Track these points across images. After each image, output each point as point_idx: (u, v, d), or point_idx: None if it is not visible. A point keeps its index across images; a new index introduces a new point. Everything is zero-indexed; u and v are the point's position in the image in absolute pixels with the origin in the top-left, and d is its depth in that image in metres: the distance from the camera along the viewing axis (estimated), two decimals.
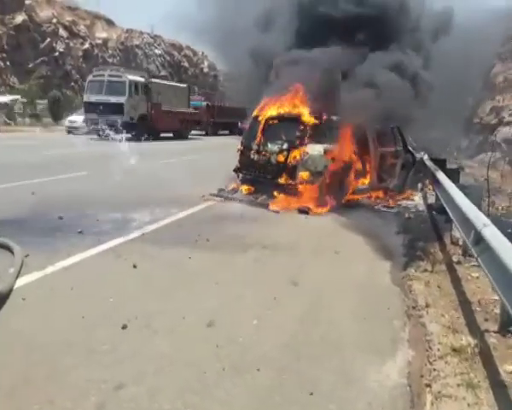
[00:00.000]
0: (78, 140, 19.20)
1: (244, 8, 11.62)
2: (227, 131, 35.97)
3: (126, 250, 5.13)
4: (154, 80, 25.83)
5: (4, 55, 34.31)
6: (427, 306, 4.06)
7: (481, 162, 20.14)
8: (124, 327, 3.35)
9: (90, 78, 23.94)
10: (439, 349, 3.29)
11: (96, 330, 3.31)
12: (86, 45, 42.45)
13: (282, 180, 8.22)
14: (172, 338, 3.27)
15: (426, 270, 5.04)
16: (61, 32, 40.06)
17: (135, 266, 4.60)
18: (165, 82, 30.41)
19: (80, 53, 41.30)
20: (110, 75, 22.86)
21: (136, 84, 23.13)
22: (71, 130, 24.58)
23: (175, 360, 2.98)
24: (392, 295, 4.38)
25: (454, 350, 3.24)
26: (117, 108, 21.66)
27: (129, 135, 20.90)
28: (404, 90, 8.82)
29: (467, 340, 3.37)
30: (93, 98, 22.46)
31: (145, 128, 22.65)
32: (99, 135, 19.84)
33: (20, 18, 36.16)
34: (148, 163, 11.91)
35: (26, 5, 37.18)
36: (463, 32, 11.34)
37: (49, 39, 38.32)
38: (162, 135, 25.36)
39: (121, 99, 22.03)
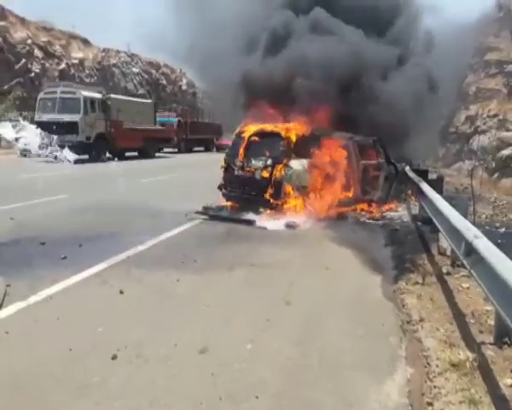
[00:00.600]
0: (33, 163, 17.99)
1: (223, 31, 11.74)
2: (202, 148, 35.47)
3: (112, 275, 4.98)
4: (113, 96, 24.18)
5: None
6: (422, 320, 4.03)
7: (459, 170, 20.60)
8: (114, 358, 3.22)
9: (41, 95, 22.08)
10: (437, 365, 3.25)
11: (84, 363, 3.16)
12: (62, 65, 42.04)
13: (267, 196, 8.19)
14: (165, 367, 3.15)
15: (417, 282, 5.03)
16: (37, 52, 39.65)
17: (121, 292, 4.46)
18: (127, 98, 28.95)
19: (56, 73, 40.83)
20: (63, 92, 21.09)
21: (92, 101, 21.45)
22: (25, 152, 21.45)
23: (169, 391, 2.86)
24: (386, 311, 4.34)
25: (453, 365, 3.21)
26: (71, 127, 19.93)
27: (85, 156, 20.03)
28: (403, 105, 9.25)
29: (465, 354, 3.34)
30: (45, 117, 20.72)
31: (104, 147, 21.67)
32: (55, 158, 18.92)
33: None
34: (120, 185, 11.70)
35: None
36: (438, 46, 11.70)
37: (24, 60, 37.85)
38: (127, 154, 24.23)
39: (75, 117, 20.16)
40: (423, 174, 9.03)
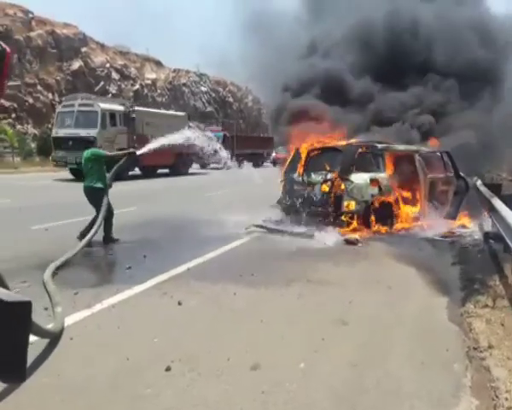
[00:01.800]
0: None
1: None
2: (250, 164, 33.37)
3: (172, 287, 5.13)
4: (138, 108, 22.90)
5: (62, 98, 36.72)
6: (491, 347, 3.71)
7: None
8: (167, 369, 3.28)
9: (58, 108, 21.06)
10: (506, 398, 2.96)
11: (139, 373, 3.25)
12: (137, 86, 44.70)
13: (326, 211, 8.06)
14: (217, 382, 3.16)
15: (486, 305, 4.66)
16: (114, 74, 42.50)
17: (180, 304, 4.57)
18: (155, 110, 27.44)
19: (131, 93, 43.48)
20: (81, 104, 20.03)
21: (112, 114, 20.18)
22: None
23: (220, 407, 2.85)
24: (451, 335, 4.06)
25: None
26: (88, 143, 17.82)
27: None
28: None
29: None
30: (61, 132, 19.73)
31: (128, 164, 19.76)
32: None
33: (76, 64, 38.76)
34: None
35: (81, 52, 39.86)
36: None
37: (102, 82, 40.72)
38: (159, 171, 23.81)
39: (92, 132, 18.45)
40: (496, 189, 8.40)
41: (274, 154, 35.25)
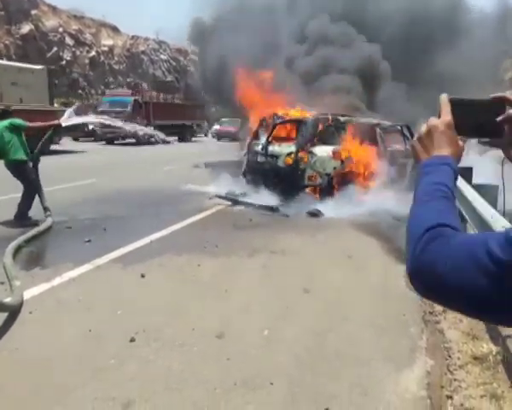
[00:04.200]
0: None
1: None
2: (175, 137, 26.51)
3: (134, 259, 5.05)
4: None
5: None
6: (445, 311, 3.92)
7: (492, 158, 19.86)
8: (132, 340, 3.26)
9: None
10: (459, 358, 3.15)
11: (103, 344, 3.22)
12: (92, 53, 42.75)
13: (290, 183, 8.11)
14: (181, 352, 3.17)
15: None
16: (68, 40, 40.40)
17: (143, 276, 4.52)
18: None
19: (87, 61, 41.59)
20: None
21: None
22: None
23: (184, 376, 2.87)
24: (408, 301, 4.22)
25: (475, 358, 3.10)
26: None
27: None
28: None
29: (488, 347, 3.22)
30: None
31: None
32: None
33: (26, 27, 36.53)
34: None
35: (32, 15, 37.54)
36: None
37: (55, 48, 38.65)
38: None
39: None
40: None
41: (217, 126, 29.85)
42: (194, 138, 29.69)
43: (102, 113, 21.85)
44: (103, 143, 23.42)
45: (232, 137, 27.32)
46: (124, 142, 23.72)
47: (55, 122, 7.16)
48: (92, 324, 3.48)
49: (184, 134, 27.74)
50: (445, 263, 0.65)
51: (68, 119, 7.32)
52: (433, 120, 0.84)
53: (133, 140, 23.29)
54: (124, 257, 5.14)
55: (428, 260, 0.68)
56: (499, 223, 3.47)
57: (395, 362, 3.14)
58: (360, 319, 3.82)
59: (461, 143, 0.84)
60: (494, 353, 3.14)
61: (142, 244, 5.62)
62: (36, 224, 6.14)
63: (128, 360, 3.03)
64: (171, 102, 28.82)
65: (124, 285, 4.37)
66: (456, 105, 0.84)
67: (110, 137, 23.17)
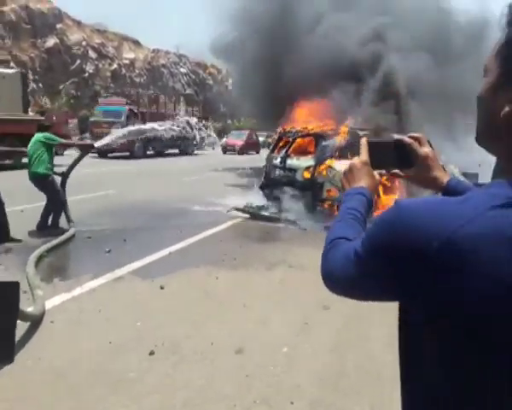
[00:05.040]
0: None
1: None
2: (175, 150, 25.54)
3: (153, 271, 5.09)
4: None
5: (37, 77, 35.62)
6: None
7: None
8: (151, 353, 3.27)
9: None
10: None
11: (122, 357, 3.23)
12: (114, 66, 43.68)
13: (308, 197, 8.09)
14: (200, 366, 3.16)
15: None
16: (91, 53, 41.40)
17: (162, 288, 4.54)
18: None
19: (109, 73, 42.51)
20: None
21: None
22: None
23: (203, 391, 2.85)
24: None
25: None
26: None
27: None
28: None
29: None
30: None
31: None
32: None
33: (51, 41, 37.57)
34: None
35: (57, 29, 38.62)
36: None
37: (79, 61, 39.63)
38: None
39: None
40: (473, 178, 8.58)
41: (224, 139, 30.32)
42: (197, 151, 27.64)
43: (94, 123, 21.67)
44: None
45: (238, 151, 28.21)
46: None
47: (88, 143, 7.24)
48: (112, 335, 3.50)
49: (186, 146, 25.81)
50: (336, 264, 0.85)
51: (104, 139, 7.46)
52: (355, 159, 1.05)
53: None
54: (143, 268, 5.18)
55: (327, 265, 0.88)
56: None
57: None
58: (381, 335, 3.74)
59: (377, 176, 1.05)
60: None
61: (161, 256, 5.66)
62: (61, 233, 6.25)
63: (147, 373, 3.03)
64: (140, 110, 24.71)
65: (143, 297, 4.39)
66: (372, 146, 1.05)
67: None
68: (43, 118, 14.55)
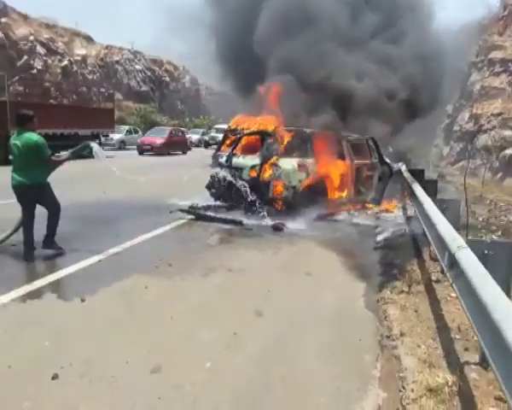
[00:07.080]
0: None
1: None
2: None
3: (77, 281, 4.70)
4: None
5: None
6: (402, 334, 3.69)
7: (462, 169, 20.16)
8: (54, 377, 2.91)
9: None
10: (413, 390, 2.91)
11: (20, 383, 2.86)
12: (65, 62, 41.93)
13: (254, 196, 7.85)
14: (109, 390, 2.84)
15: (402, 291, 4.69)
16: (39, 49, 39.54)
17: (83, 301, 4.16)
18: None
19: (59, 70, 40.73)
20: None
21: None
22: None
23: None
24: (366, 323, 4.01)
25: (430, 390, 2.87)
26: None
27: None
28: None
29: (444, 377, 2.99)
30: None
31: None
32: None
33: None
34: None
35: (1, 23, 36.62)
36: (438, 43, 11.34)
37: (26, 57, 37.74)
38: None
39: None
40: (420, 174, 8.61)
41: (140, 138, 26.61)
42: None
43: None
44: None
45: (157, 152, 23.27)
46: None
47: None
48: (13, 359, 3.12)
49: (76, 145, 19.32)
50: None
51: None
52: None
53: None
54: (67, 278, 4.77)
55: None
56: (455, 243, 3.29)
57: (345, 396, 2.88)
58: (312, 345, 3.55)
59: None
60: (450, 383, 2.91)
61: (89, 263, 5.24)
62: None
63: (45, 402, 2.69)
64: (58, 103, 18.97)
65: (60, 312, 4.00)
66: None
67: None
68: None
